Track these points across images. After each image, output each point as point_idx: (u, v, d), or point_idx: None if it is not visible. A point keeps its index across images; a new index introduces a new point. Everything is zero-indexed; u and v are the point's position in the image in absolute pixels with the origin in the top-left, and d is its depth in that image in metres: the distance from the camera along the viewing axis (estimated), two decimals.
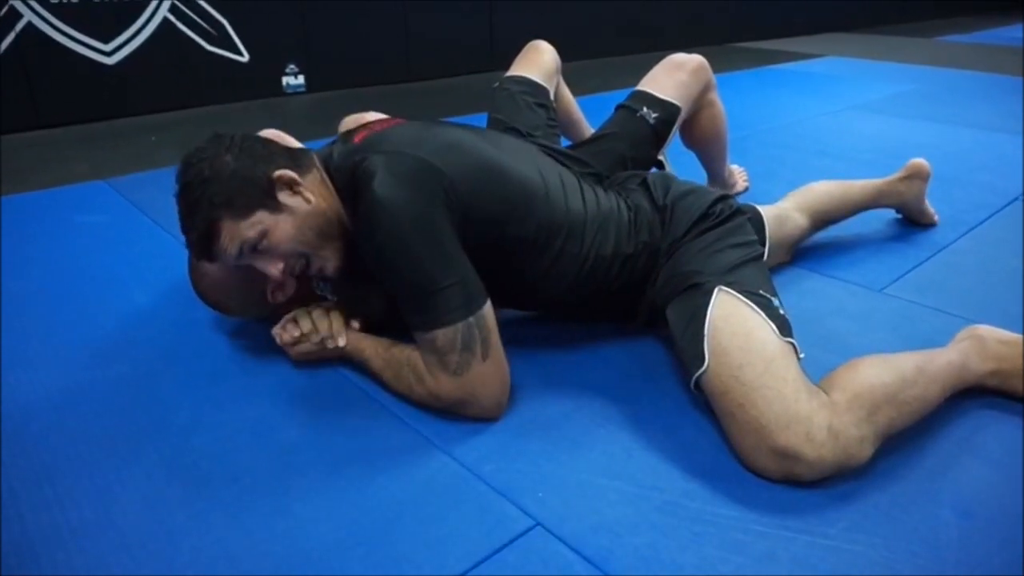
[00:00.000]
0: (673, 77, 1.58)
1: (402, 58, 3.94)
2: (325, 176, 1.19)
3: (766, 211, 1.48)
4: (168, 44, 3.20)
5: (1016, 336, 1.18)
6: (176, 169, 1.13)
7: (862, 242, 1.77)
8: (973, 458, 1.04)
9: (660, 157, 1.58)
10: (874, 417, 0.99)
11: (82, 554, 0.88)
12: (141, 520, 0.93)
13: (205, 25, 3.28)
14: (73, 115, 3.04)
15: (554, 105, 1.64)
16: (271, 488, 0.98)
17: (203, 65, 3.32)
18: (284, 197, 1.12)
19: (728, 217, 1.25)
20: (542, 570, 0.85)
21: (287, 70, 3.59)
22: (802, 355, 1.06)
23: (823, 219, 1.64)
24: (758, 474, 0.99)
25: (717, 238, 1.22)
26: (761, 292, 1.12)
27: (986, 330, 1.20)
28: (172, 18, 3.18)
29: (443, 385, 1.09)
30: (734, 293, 1.10)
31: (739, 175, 2.04)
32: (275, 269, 1.13)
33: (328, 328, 1.22)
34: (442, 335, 1.06)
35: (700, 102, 1.64)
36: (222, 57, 3.38)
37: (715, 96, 1.69)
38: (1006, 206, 2.01)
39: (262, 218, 1.10)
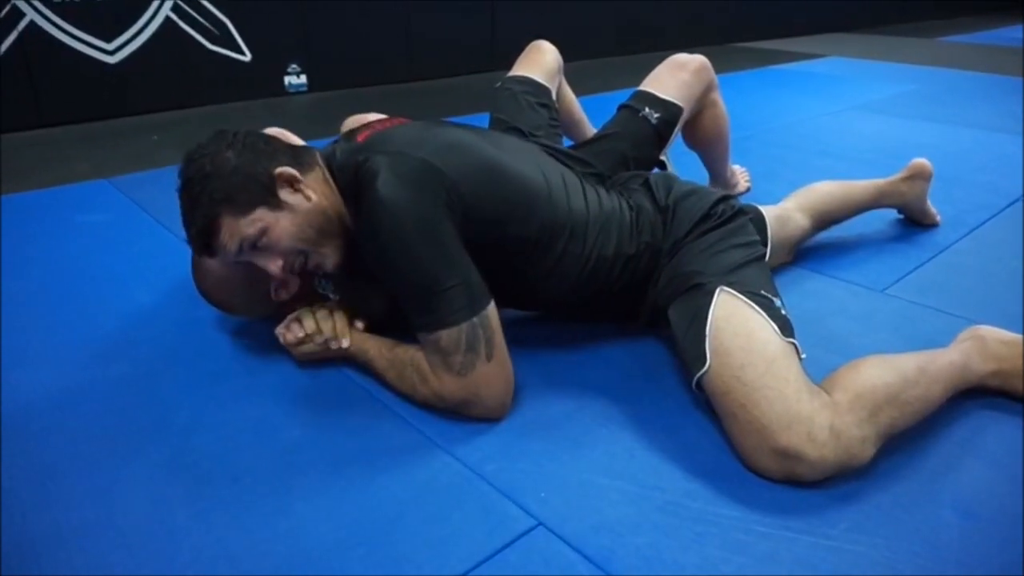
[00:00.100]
0: (675, 77, 1.58)
1: (404, 58, 3.94)
2: (327, 174, 1.19)
3: (768, 211, 1.48)
4: (170, 43, 3.20)
5: (1017, 337, 1.18)
6: (179, 167, 1.13)
7: (864, 242, 1.77)
8: (974, 458, 1.04)
9: (662, 157, 1.58)
10: (876, 417, 0.99)
11: (83, 553, 0.88)
12: (142, 519, 0.93)
13: (207, 24, 3.28)
14: (75, 114, 3.04)
15: (556, 105, 1.64)
16: (273, 488, 0.98)
17: (205, 64, 3.32)
18: (285, 194, 1.12)
19: (730, 218, 1.25)
20: (544, 570, 0.85)
21: (289, 69, 3.59)
22: (804, 355, 1.06)
23: (825, 219, 1.64)
24: (760, 474, 0.99)
25: (719, 239, 1.22)
26: (763, 292, 1.12)
27: (987, 331, 1.20)
28: (174, 17, 3.18)
29: (447, 385, 1.09)
30: (736, 293, 1.10)
31: (741, 175, 2.04)
32: (275, 266, 1.13)
33: (332, 329, 1.22)
34: (446, 336, 1.06)
35: (702, 102, 1.64)
36: (224, 56, 3.38)
37: (717, 96, 1.69)
38: (1008, 207, 2.01)
39: (262, 215, 1.10)
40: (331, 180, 1.18)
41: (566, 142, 1.66)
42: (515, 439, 1.08)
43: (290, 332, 1.23)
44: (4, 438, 1.08)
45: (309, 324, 1.22)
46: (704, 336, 1.07)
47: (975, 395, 1.16)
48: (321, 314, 1.23)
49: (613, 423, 1.12)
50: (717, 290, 1.11)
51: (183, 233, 1.14)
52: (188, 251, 1.29)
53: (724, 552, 0.88)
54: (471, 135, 1.23)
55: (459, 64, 4.14)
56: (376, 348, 1.20)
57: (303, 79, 3.63)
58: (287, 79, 3.60)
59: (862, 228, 1.79)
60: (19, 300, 1.51)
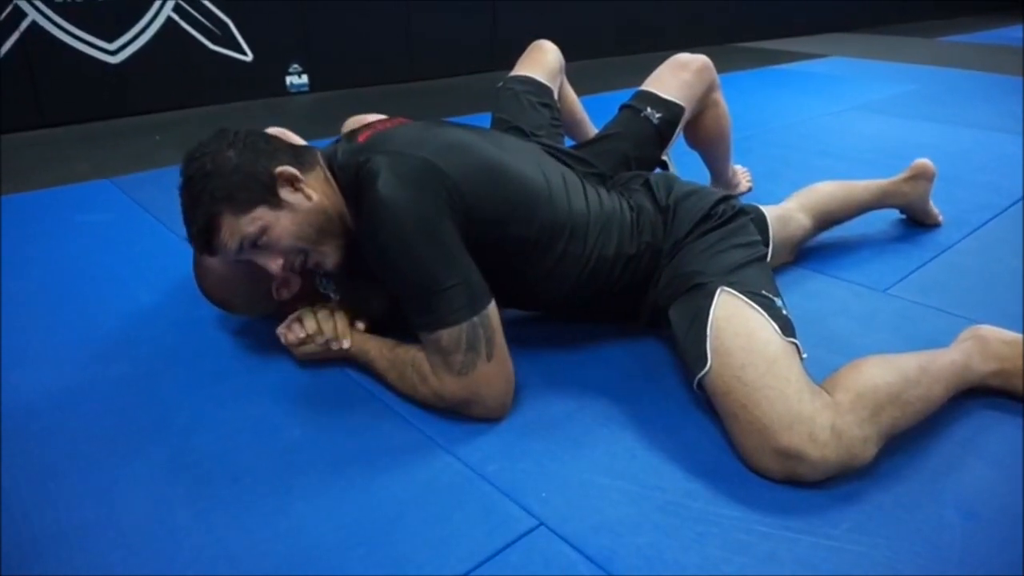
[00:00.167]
0: (677, 77, 1.58)
1: (405, 58, 3.94)
2: (328, 174, 1.19)
3: (770, 211, 1.48)
4: (172, 43, 3.20)
5: (1018, 336, 1.18)
6: (180, 166, 1.13)
7: (866, 242, 1.77)
8: (976, 459, 1.04)
9: (664, 157, 1.58)
10: (877, 417, 0.99)
11: (84, 553, 0.88)
12: (143, 519, 0.93)
13: (209, 24, 3.29)
14: (76, 114, 3.04)
15: (558, 105, 1.64)
16: (273, 487, 0.98)
17: (206, 64, 3.33)
18: (285, 193, 1.12)
19: (731, 218, 1.25)
20: (545, 570, 0.85)
21: (290, 69, 3.59)
22: (805, 355, 1.06)
23: (827, 220, 1.64)
24: (761, 475, 0.99)
25: (720, 239, 1.22)
26: (764, 292, 1.12)
27: (989, 330, 1.20)
28: (176, 17, 3.19)
29: (447, 385, 1.09)
30: (736, 294, 1.10)
31: (742, 175, 2.04)
32: (275, 265, 1.13)
33: (333, 330, 1.22)
34: (447, 335, 1.06)
35: (704, 102, 1.64)
36: (226, 56, 3.38)
37: (719, 96, 1.68)
38: (1010, 207, 2.01)
39: (262, 214, 1.10)
40: (332, 180, 1.19)
41: (568, 142, 1.66)
42: (516, 439, 1.08)
43: (291, 332, 1.23)
44: (5, 438, 1.09)
45: (310, 324, 1.22)
46: (705, 336, 1.07)
47: (976, 395, 1.16)
48: (322, 314, 1.23)
49: (614, 423, 1.11)
50: (718, 290, 1.11)
51: (184, 232, 1.14)
52: (189, 251, 1.29)
53: (725, 552, 0.87)
54: (472, 135, 1.23)
55: (460, 64, 4.14)
56: (377, 348, 1.20)
57: (304, 79, 3.63)
58: (288, 79, 3.60)
59: (864, 228, 1.79)
60: (20, 300, 1.51)
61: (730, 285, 1.11)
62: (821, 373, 1.07)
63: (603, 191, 1.31)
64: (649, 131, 1.52)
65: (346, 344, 1.21)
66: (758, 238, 1.27)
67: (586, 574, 0.85)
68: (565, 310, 1.35)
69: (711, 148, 1.80)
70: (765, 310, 1.08)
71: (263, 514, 0.94)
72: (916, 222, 1.86)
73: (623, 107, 1.58)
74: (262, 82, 3.52)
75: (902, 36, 6.07)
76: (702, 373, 1.06)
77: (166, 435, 1.09)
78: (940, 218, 1.86)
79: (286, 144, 1.19)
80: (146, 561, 0.86)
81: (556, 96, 1.65)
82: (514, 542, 0.89)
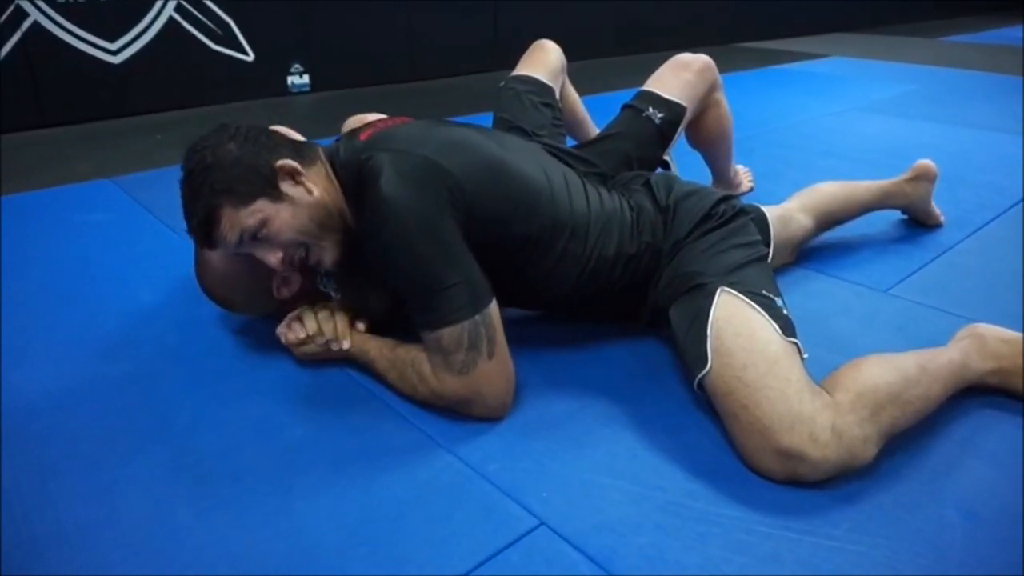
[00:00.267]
0: (679, 77, 1.58)
1: (406, 58, 3.94)
2: (329, 170, 1.19)
3: (771, 211, 1.48)
4: (173, 43, 3.20)
5: (1016, 335, 1.18)
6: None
7: (867, 243, 1.76)
8: (977, 459, 1.04)
9: (665, 157, 1.58)
10: (877, 417, 0.99)
11: (85, 552, 0.88)
12: (144, 519, 0.93)
13: (210, 24, 3.29)
14: (78, 114, 3.05)
15: (560, 104, 1.64)
16: (274, 487, 0.98)
17: (208, 64, 3.33)
18: (286, 187, 1.12)
19: (731, 218, 1.25)
20: (546, 570, 0.85)
21: (292, 69, 3.59)
22: (806, 355, 1.06)
23: (828, 220, 1.64)
24: (762, 475, 0.99)
25: (720, 239, 1.21)
26: (764, 292, 1.12)
27: (986, 328, 1.20)
28: (178, 17, 3.19)
29: (448, 384, 1.09)
30: (737, 294, 1.10)
31: (744, 175, 2.04)
32: (274, 258, 1.13)
33: (333, 330, 1.22)
34: (448, 334, 1.06)
35: (706, 102, 1.64)
36: (227, 56, 3.38)
37: (721, 96, 1.68)
38: (1011, 207, 2.00)
39: (262, 207, 1.10)
40: (333, 176, 1.19)
41: (569, 142, 1.66)
42: (517, 438, 1.08)
43: (292, 332, 1.23)
44: (6, 437, 1.09)
45: (311, 324, 1.22)
46: (705, 336, 1.07)
47: (976, 394, 1.16)
48: (323, 315, 1.23)
49: (615, 423, 1.11)
50: (718, 290, 1.11)
51: (185, 232, 1.14)
52: (190, 250, 1.30)
53: (726, 552, 0.87)
54: (474, 133, 1.23)
55: (461, 64, 4.14)
56: (377, 349, 1.20)
57: (306, 79, 3.63)
58: (290, 79, 3.60)
59: (865, 228, 1.79)
60: (21, 299, 1.51)
61: (730, 285, 1.11)
62: (822, 373, 1.07)
63: (604, 191, 1.31)
64: (651, 131, 1.52)
65: (346, 345, 1.21)
66: (759, 238, 1.27)
67: (587, 574, 0.85)
68: (566, 309, 1.35)
69: (713, 148, 1.80)
70: (766, 310, 1.08)
71: (264, 513, 0.94)
72: (918, 222, 1.86)
73: (625, 107, 1.58)
74: (263, 82, 3.52)
75: (903, 36, 6.06)
76: (702, 373, 1.06)
77: (167, 434, 1.09)
78: (942, 218, 1.86)
79: (287, 139, 1.20)
80: (147, 561, 0.87)
81: (558, 96, 1.65)
82: (515, 542, 0.89)
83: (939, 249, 1.73)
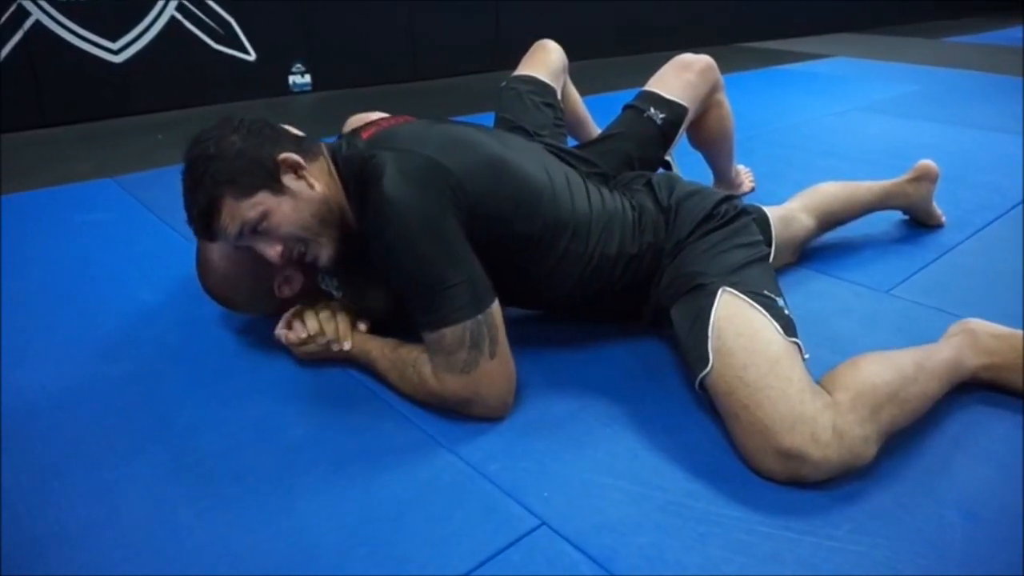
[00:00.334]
0: (681, 77, 1.58)
1: (407, 58, 3.94)
2: (332, 166, 1.19)
3: (772, 212, 1.48)
4: (175, 43, 3.20)
5: (1007, 330, 1.19)
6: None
7: (869, 243, 1.76)
8: (977, 459, 1.04)
9: (667, 158, 1.58)
10: (877, 416, 1.00)
11: (86, 552, 0.88)
12: (145, 518, 0.93)
13: (212, 24, 3.29)
14: (79, 113, 3.05)
15: (561, 105, 1.64)
16: (275, 486, 0.99)
17: (210, 64, 3.33)
18: (288, 180, 1.12)
19: (733, 218, 1.25)
20: (547, 569, 0.85)
21: (293, 69, 3.60)
22: (807, 356, 1.06)
23: (830, 220, 1.64)
24: (763, 475, 0.99)
25: (722, 239, 1.21)
26: (766, 292, 1.12)
27: (978, 324, 1.21)
28: (179, 17, 3.19)
29: (449, 384, 1.08)
30: (738, 294, 1.10)
31: (745, 175, 2.03)
32: (273, 252, 1.13)
33: (335, 331, 1.22)
34: (450, 333, 1.06)
35: (707, 102, 1.64)
36: (229, 56, 3.38)
37: (723, 96, 1.68)
38: (1013, 208, 2.00)
39: (264, 199, 1.10)
40: (335, 172, 1.18)
41: (571, 142, 1.66)
42: (518, 438, 1.08)
43: (292, 332, 1.23)
44: (7, 437, 1.09)
45: (312, 324, 1.22)
46: (707, 336, 1.07)
47: (975, 394, 1.16)
48: (324, 315, 1.23)
49: (616, 423, 1.11)
50: (719, 290, 1.11)
51: (187, 232, 1.14)
52: (191, 250, 1.30)
53: (727, 552, 0.87)
54: (476, 132, 1.23)
55: (462, 64, 4.14)
56: (378, 349, 1.20)
57: (307, 79, 3.63)
58: (291, 79, 3.60)
59: (867, 229, 1.78)
60: (22, 299, 1.51)
61: (732, 285, 1.11)
62: (823, 374, 1.07)
63: (606, 191, 1.31)
64: (652, 131, 1.52)
65: (347, 346, 1.21)
66: (760, 238, 1.27)
67: (588, 574, 0.85)
68: (567, 309, 1.35)
69: (714, 148, 1.80)
70: (767, 310, 1.08)
71: (265, 513, 0.94)
72: (919, 223, 1.86)
73: (626, 107, 1.58)
74: (265, 82, 3.52)
75: (904, 36, 6.06)
76: (704, 373, 1.06)
77: (168, 434, 1.09)
78: (943, 219, 1.86)
79: (290, 133, 1.20)
80: (148, 560, 0.87)
81: (559, 96, 1.65)
82: (516, 541, 0.89)
83: (940, 249, 1.73)
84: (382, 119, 1.31)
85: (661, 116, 1.52)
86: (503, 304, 1.13)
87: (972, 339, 1.18)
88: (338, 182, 1.18)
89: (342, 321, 1.23)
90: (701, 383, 1.08)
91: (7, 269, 1.65)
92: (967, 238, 1.80)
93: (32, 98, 2.92)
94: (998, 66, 4.38)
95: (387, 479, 1.00)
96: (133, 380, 1.23)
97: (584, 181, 1.30)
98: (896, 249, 1.75)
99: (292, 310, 1.26)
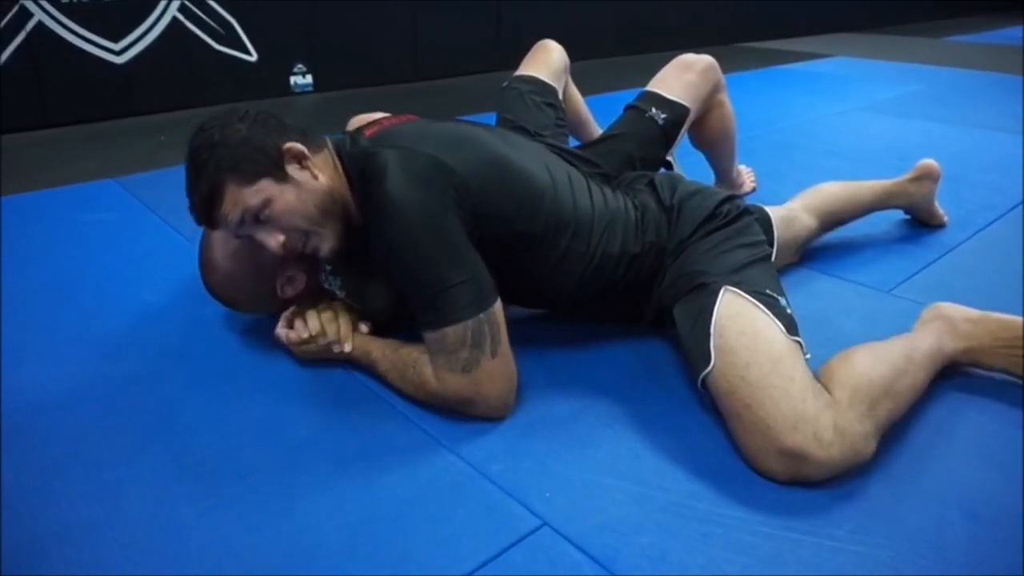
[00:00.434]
0: (682, 78, 1.58)
1: (409, 58, 3.94)
2: (336, 159, 1.19)
3: (774, 212, 1.48)
4: (177, 43, 3.21)
5: (979, 314, 1.22)
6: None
7: (870, 243, 1.76)
8: (979, 460, 1.04)
9: (669, 158, 1.58)
10: (875, 411, 1.00)
11: (90, 551, 0.88)
12: (147, 518, 0.93)
13: (214, 24, 3.29)
14: (81, 114, 3.05)
15: (562, 105, 1.64)
16: (278, 486, 0.99)
17: (211, 64, 3.33)
18: (292, 170, 1.12)
19: (735, 217, 1.25)
20: (549, 570, 0.85)
21: (295, 69, 3.60)
22: (808, 355, 1.06)
23: (832, 220, 1.64)
24: (765, 475, 0.99)
25: (724, 238, 1.22)
26: (768, 292, 1.12)
27: (951, 309, 1.23)
28: (181, 17, 3.19)
29: (450, 384, 1.09)
30: (741, 293, 1.10)
31: (747, 175, 2.04)
32: (275, 241, 1.12)
33: (336, 332, 1.22)
34: (452, 332, 1.06)
35: (709, 103, 1.64)
36: (230, 56, 3.39)
37: (724, 97, 1.68)
38: (1015, 207, 2.00)
39: (266, 186, 1.10)
40: (339, 165, 1.19)
41: (572, 142, 1.66)
42: (519, 438, 1.08)
43: (294, 331, 1.23)
44: (9, 436, 1.09)
45: (313, 324, 1.22)
46: (709, 335, 1.07)
47: (977, 395, 1.17)
48: (326, 316, 1.23)
49: (618, 423, 1.12)
50: (722, 289, 1.11)
51: (189, 233, 1.15)
52: (194, 251, 1.30)
53: (728, 553, 0.87)
54: (479, 131, 1.23)
55: (463, 64, 4.15)
56: (379, 350, 1.20)
57: (309, 79, 3.64)
58: (293, 79, 3.60)
59: (868, 229, 1.78)
60: (25, 299, 1.52)
61: (734, 284, 1.11)
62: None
63: (608, 190, 1.31)
64: (654, 132, 1.52)
65: (347, 348, 1.21)
66: (762, 238, 1.27)
67: (590, 574, 0.85)
68: (569, 308, 1.35)
69: (716, 148, 1.80)
70: (769, 309, 1.08)
71: (267, 513, 0.94)
72: (921, 223, 1.86)
73: (628, 107, 1.58)
74: (267, 82, 3.52)
75: (906, 36, 6.05)
76: (705, 372, 1.06)
77: (170, 434, 1.10)
78: (945, 219, 1.86)
79: (295, 125, 1.19)
80: (149, 560, 0.87)
81: (561, 96, 1.65)
82: (518, 542, 0.89)
83: (942, 249, 1.73)
84: (385, 118, 1.31)
85: (663, 116, 1.52)
86: (505, 303, 1.13)
87: (949, 325, 1.20)
88: (342, 175, 1.18)
89: (343, 322, 1.23)
90: (703, 382, 1.08)
91: (8, 269, 1.65)
92: (969, 238, 1.80)
93: (34, 99, 2.92)
94: (1000, 65, 4.38)
95: (388, 479, 1.00)
96: (135, 380, 1.23)
97: (586, 180, 1.30)
98: (898, 249, 1.75)
99: (293, 309, 1.26)
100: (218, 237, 1.25)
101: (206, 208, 1.10)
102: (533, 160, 1.24)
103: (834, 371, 1.06)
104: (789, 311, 1.11)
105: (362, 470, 1.02)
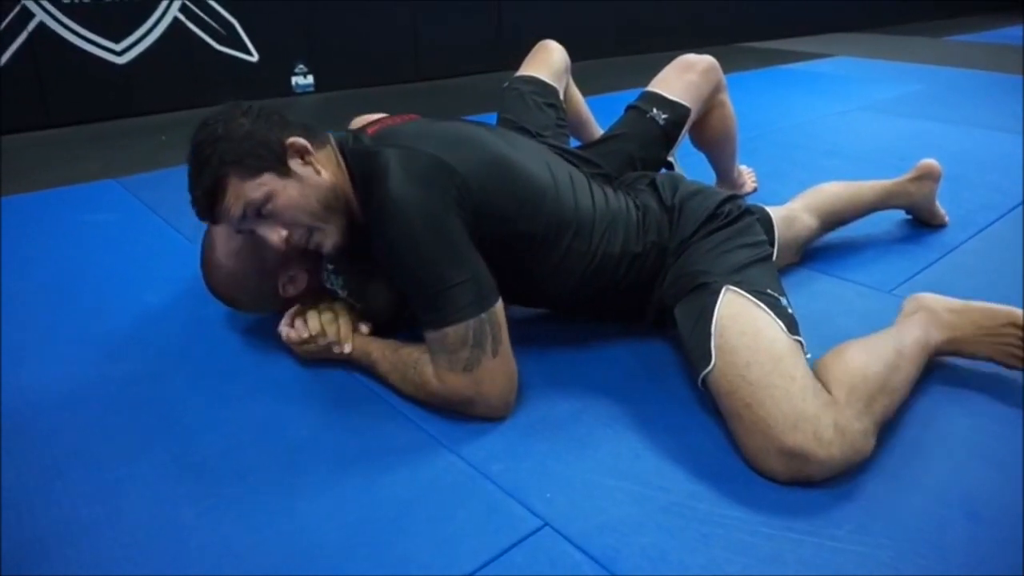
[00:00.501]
0: (683, 78, 1.58)
1: (410, 58, 3.94)
2: (339, 156, 1.19)
3: (775, 212, 1.48)
4: (178, 44, 3.21)
5: (961, 303, 1.23)
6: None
7: (871, 243, 1.76)
8: (979, 460, 1.04)
9: (670, 158, 1.58)
10: (871, 408, 1.01)
11: (90, 551, 0.88)
12: (148, 517, 0.93)
13: (215, 25, 3.30)
14: (83, 114, 3.06)
15: (563, 105, 1.64)
16: (278, 486, 0.99)
17: (212, 64, 3.34)
18: (295, 165, 1.12)
19: (736, 217, 1.25)
20: (550, 570, 0.85)
21: (296, 70, 3.60)
22: (808, 355, 1.06)
23: (833, 220, 1.64)
24: (765, 475, 0.99)
25: (725, 238, 1.22)
26: (769, 291, 1.12)
27: (932, 299, 1.24)
28: (182, 18, 3.20)
29: (451, 383, 1.09)
30: (742, 292, 1.10)
31: (748, 175, 2.04)
32: (277, 236, 1.12)
33: (336, 333, 1.22)
34: (453, 332, 1.06)
35: (710, 103, 1.64)
36: (231, 57, 3.39)
37: (725, 97, 1.68)
38: (1016, 207, 2.00)
39: (269, 180, 1.09)
40: (342, 162, 1.19)
41: (573, 142, 1.66)
42: (520, 439, 1.08)
43: (294, 331, 1.23)
44: (11, 436, 1.09)
45: (314, 325, 1.22)
46: (710, 334, 1.07)
47: (978, 395, 1.17)
48: (327, 316, 1.23)
49: (618, 423, 1.12)
50: (723, 289, 1.11)
51: (190, 233, 1.15)
52: (195, 251, 1.30)
53: (729, 553, 0.87)
54: (480, 131, 1.24)
55: (464, 64, 4.15)
56: (380, 351, 1.20)
57: (310, 79, 3.64)
58: (294, 79, 3.61)
59: (869, 229, 1.78)
60: (26, 299, 1.52)
61: (735, 284, 1.11)
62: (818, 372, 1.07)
63: (609, 191, 1.32)
64: (655, 132, 1.52)
65: (347, 349, 1.21)
66: (764, 238, 1.27)
67: (591, 574, 0.85)
68: (570, 307, 1.35)
69: (717, 149, 1.80)
70: (771, 308, 1.08)
71: (267, 513, 0.94)
72: (922, 222, 1.86)
73: (629, 108, 1.58)
74: (268, 82, 3.52)
75: (906, 36, 6.05)
76: (706, 371, 1.06)
77: (170, 434, 1.10)
78: (946, 218, 1.85)
79: (298, 121, 1.20)
80: (150, 560, 0.87)
81: (562, 96, 1.65)
82: (518, 542, 0.89)
83: (943, 249, 1.73)
84: (387, 117, 1.31)
85: (664, 117, 1.52)
86: (506, 302, 1.13)
87: (933, 317, 1.21)
88: (345, 172, 1.18)
89: (344, 323, 1.23)
90: (703, 381, 1.08)
91: (10, 269, 1.65)
92: (970, 238, 1.80)
93: (36, 99, 2.93)
94: (1000, 65, 4.37)
95: (389, 480, 1.00)
96: (135, 380, 1.24)
97: (588, 180, 1.30)
98: (899, 249, 1.74)
99: (295, 308, 1.26)
100: (220, 236, 1.25)
101: (208, 202, 1.10)
102: (534, 160, 1.24)
103: (829, 368, 1.06)
104: (790, 311, 1.11)
105: (362, 470, 1.02)
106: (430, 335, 1.09)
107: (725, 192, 1.31)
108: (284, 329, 1.25)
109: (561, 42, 1.72)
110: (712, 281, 1.13)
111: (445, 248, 1.06)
